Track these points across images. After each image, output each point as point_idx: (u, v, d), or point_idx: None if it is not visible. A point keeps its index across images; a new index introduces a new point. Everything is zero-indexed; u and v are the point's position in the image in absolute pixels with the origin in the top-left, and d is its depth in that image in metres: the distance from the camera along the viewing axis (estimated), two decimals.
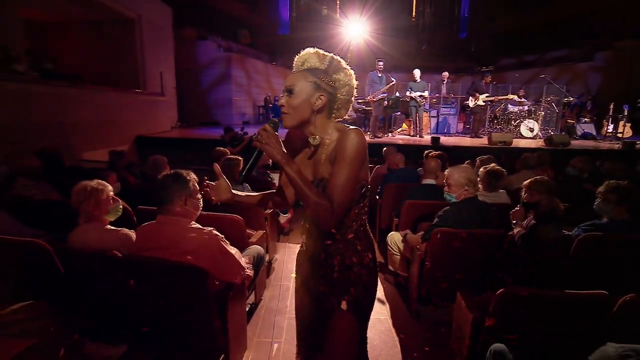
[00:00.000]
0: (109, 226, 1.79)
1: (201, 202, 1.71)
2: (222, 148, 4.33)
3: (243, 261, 1.78)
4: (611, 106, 8.79)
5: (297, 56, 1.17)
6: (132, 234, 1.77)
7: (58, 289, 1.73)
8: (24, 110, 5.37)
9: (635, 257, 1.92)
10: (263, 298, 2.76)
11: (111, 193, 1.82)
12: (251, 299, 2.61)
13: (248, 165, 1.11)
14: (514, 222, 2.20)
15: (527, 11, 15.48)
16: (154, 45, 9.32)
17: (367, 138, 7.46)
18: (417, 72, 8.33)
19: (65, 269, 1.71)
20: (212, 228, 1.63)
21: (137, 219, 2.54)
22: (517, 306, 1.38)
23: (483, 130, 9.21)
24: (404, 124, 9.73)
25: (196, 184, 1.70)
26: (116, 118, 7.56)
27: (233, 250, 1.70)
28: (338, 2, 18.17)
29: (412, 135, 8.80)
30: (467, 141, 8.29)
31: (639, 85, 11.49)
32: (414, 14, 18.38)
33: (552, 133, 8.44)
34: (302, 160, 1.24)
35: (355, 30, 14.04)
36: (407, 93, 8.25)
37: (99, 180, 1.81)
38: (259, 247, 2.35)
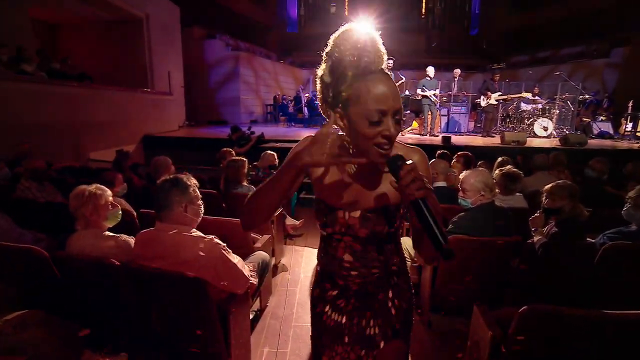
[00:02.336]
0: (107, 232, 1.72)
1: (202, 209, 1.63)
2: (227, 148, 4.26)
3: (247, 270, 1.70)
4: (630, 104, 8.49)
5: (371, 51, 0.80)
6: (132, 240, 1.70)
7: (55, 297, 1.67)
8: (32, 110, 5.39)
9: None
10: (269, 304, 2.67)
11: (110, 198, 1.76)
12: (256, 305, 2.53)
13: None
14: (534, 229, 2.07)
15: (540, 7, 15.11)
16: (162, 44, 9.33)
17: None
18: (431, 70, 8.09)
19: (63, 277, 1.65)
20: (213, 236, 1.54)
21: (140, 222, 2.48)
22: (543, 326, 1.27)
23: (495, 129, 8.99)
24: (414, 122, 9.56)
25: (197, 189, 1.62)
26: (124, 117, 7.57)
27: (236, 259, 1.62)
28: (346, 1, 18.03)
29: (423, 134, 8.64)
30: (478, 140, 8.09)
31: None
32: (423, 10, 18.13)
33: (567, 132, 8.19)
34: (364, 182, 0.94)
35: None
36: (419, 91, 8.07)
37: (98, 185, 1.74)
38: (264, 253, 2.27)
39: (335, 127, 0.86)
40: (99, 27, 8.83)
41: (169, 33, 9.70)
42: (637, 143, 7.48)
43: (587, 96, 9.96)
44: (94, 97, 6.76)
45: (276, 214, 3.39)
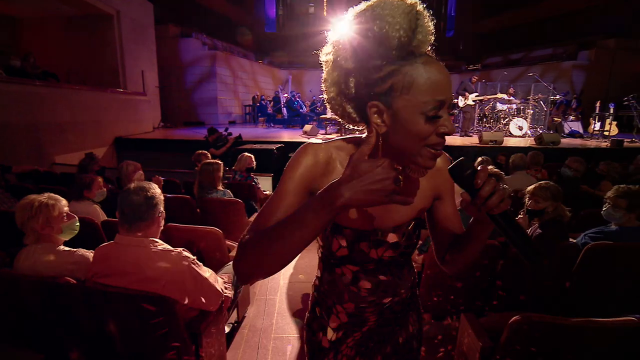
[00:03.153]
0: (62, 247, 1.55)
1: (163, 218, 1.49)
2: (202, 150, 4.08)
3: (220, 284, 1.57)
4: (597, 104, 8.84)
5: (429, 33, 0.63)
6: (90, 254, 1.53)
7: (2, 321, 1.49)
8: None
9: None
10: (247, 315, 2.54)
11: (65, 208, 1.58)
12: (233, 316, 2.39)
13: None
14: None
15: (513, 10, 15.59)
16: (134, 42, 8.95)
17: None
18: None
19: (10, 299, 1.47)
20: (181, 249, 1.40)
21: (106, 232, 2.29)
22: (534, 335, 1.21)
23: (472, 129, 9.15)
24: None
25: (162, 197, 1.47)
26: (93, 119, 7.19)
27: (207, 272, 1.48)
28: (325, 1, 17.98)
29: None
30: (457, 140, 8.19)
31: (621, 83, 11.71)
32: None
33: (540, 131, 8.42)
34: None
35: (343, 29, 13.85)
36: None
37: (51, 194, 1.56)
38: None
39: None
40: (66, 23, 8.37)
41: (141, 31, 9.32)
42: (605, 142, 7.76)
43: (557, 96, 10.31)
44: (59, 97, 6.37)
45: (254, 218, 3.25)
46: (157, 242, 1.40)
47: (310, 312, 0.93)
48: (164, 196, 1.53)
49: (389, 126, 0.63)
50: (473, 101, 8.54)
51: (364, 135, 0.74)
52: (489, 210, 0.59)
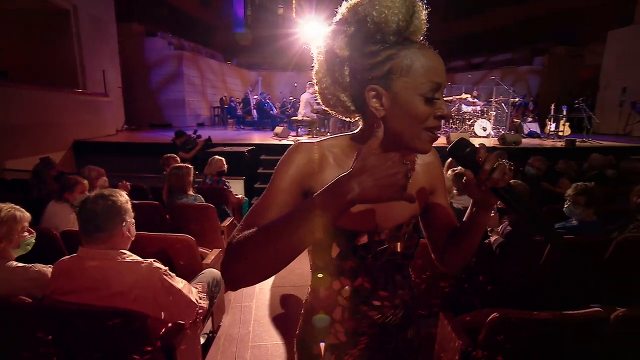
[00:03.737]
0: (15, 263, 1.41)
1: (134, 227, 1.40)
2: (171, 154, 3.92)
3: (194, 294, 1.49)
4: (552, 106, 9.43)
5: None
6: (49, 270, 1.41)
7: None
8: None
9: (613, 259, 1.89)
10: (222, 324, 2.45)
11: (26, 224, 1.45)
12: (208, 326, 2.30)
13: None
14: (489, 229, 2.10)
15: (474, 17, 16.38)
16: (94, 40, 8.46)
17: None
18: None
19: None
20: (151, 260, 1.32)
21: (67, 244, 2.13)
22: (510, 331, 1.24)
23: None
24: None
25: (129, 205, 1.38)
26: (49, 121, 6.71)
27: (181, 283, 1.40)
28: (294, 2, 17.93)
29: None
30: None
31: (571, 87, 12.65)
32: None
33: (503, 132, 8.85)
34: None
35: (313, 31, 13.88)
36: None
37: (14, 205, 1.43)
38: (214, 270, 2.05)
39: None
40: (18, 18, 7.76)
41: (102, 28, 8.83)
42: (560, 141, 8.28)
43: (517, 99, 10.91)
44: (10, 97, 5.89)
45: (227, 223, 3.16)
46: (125, 253, 1.30)
47: (302, 329, 0.86)
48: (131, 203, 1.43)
49: (387, 110, 0.63)
50: None
51: (356, 131, 0.73)
52: (494, 184, 0.59)
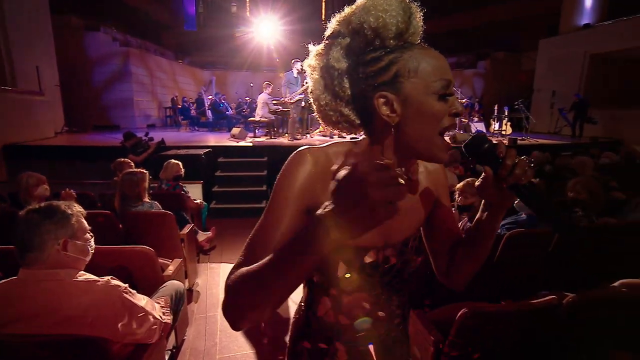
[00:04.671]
0: None
1: (92, 243, 1.27)
2: (125, 159, 3.64)
3: (158, 310, 1.39)
4: (495, 107, 10.18)
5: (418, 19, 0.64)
6: None
7: None
8: None
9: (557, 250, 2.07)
10: (186, 337, 2.32)
11: None
12: (171, 341, 2.16)
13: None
14: None
15: (424, 22, 17.25)
16: (24, 32, 7.63)
17: (286, 140, 7.24)
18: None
19: None
20: (109, 277, 1.20)
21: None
22: (479, 324, 1.30)
23: None
24: (321, 125, 9.78)
25: (82, 218, 1.25)
26: None
27: (143, 301, 1.29)
28: (247, 1, 17.58)
29: (330, 136, 8.90)
30: None
31: (511, 89, 13.83)
32: (323, 17, 18.80)
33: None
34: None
35: (267, 30, 13.71)
36: None
37: None
38: (176, 282, 1.93)
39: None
40: None
41: (33, 19, 7.98)
42: (504, 140, 8.98)
43: (464, 100, 11.63)
44: None
45: (186, 231, 3.00)
46: (76, 272, 1.17)
47: (294, 347, 0.79)
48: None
49: (400, 115, 0.60)
50: None
51: (360, 139, 0.69)
52: (516, 180, 0.57)
